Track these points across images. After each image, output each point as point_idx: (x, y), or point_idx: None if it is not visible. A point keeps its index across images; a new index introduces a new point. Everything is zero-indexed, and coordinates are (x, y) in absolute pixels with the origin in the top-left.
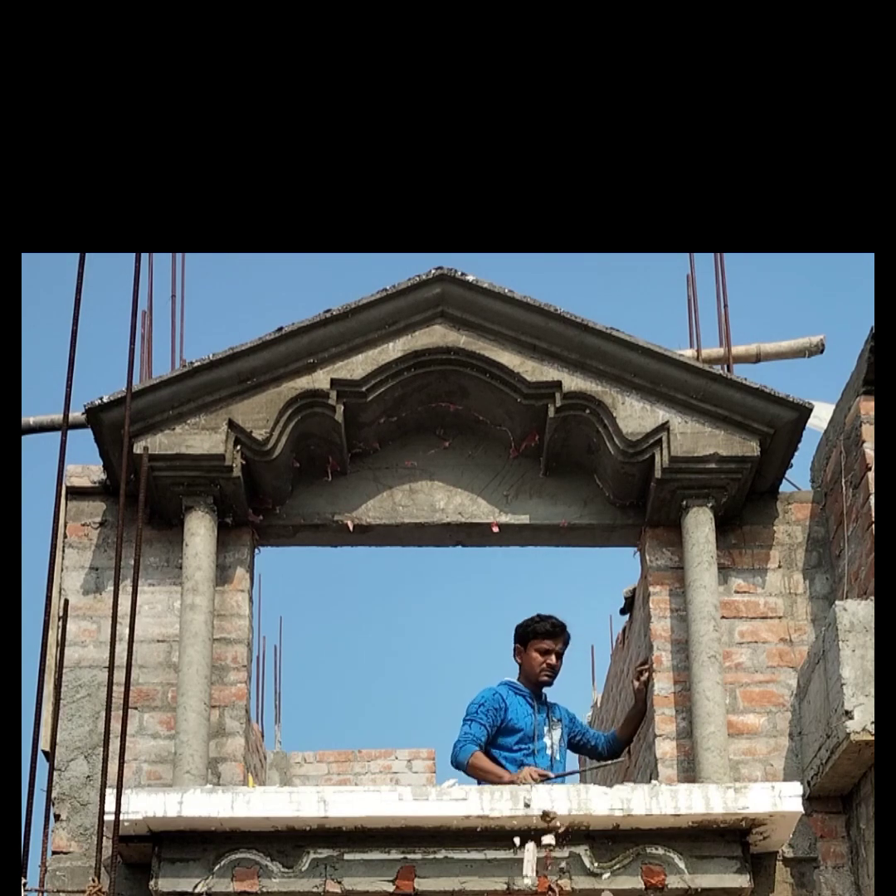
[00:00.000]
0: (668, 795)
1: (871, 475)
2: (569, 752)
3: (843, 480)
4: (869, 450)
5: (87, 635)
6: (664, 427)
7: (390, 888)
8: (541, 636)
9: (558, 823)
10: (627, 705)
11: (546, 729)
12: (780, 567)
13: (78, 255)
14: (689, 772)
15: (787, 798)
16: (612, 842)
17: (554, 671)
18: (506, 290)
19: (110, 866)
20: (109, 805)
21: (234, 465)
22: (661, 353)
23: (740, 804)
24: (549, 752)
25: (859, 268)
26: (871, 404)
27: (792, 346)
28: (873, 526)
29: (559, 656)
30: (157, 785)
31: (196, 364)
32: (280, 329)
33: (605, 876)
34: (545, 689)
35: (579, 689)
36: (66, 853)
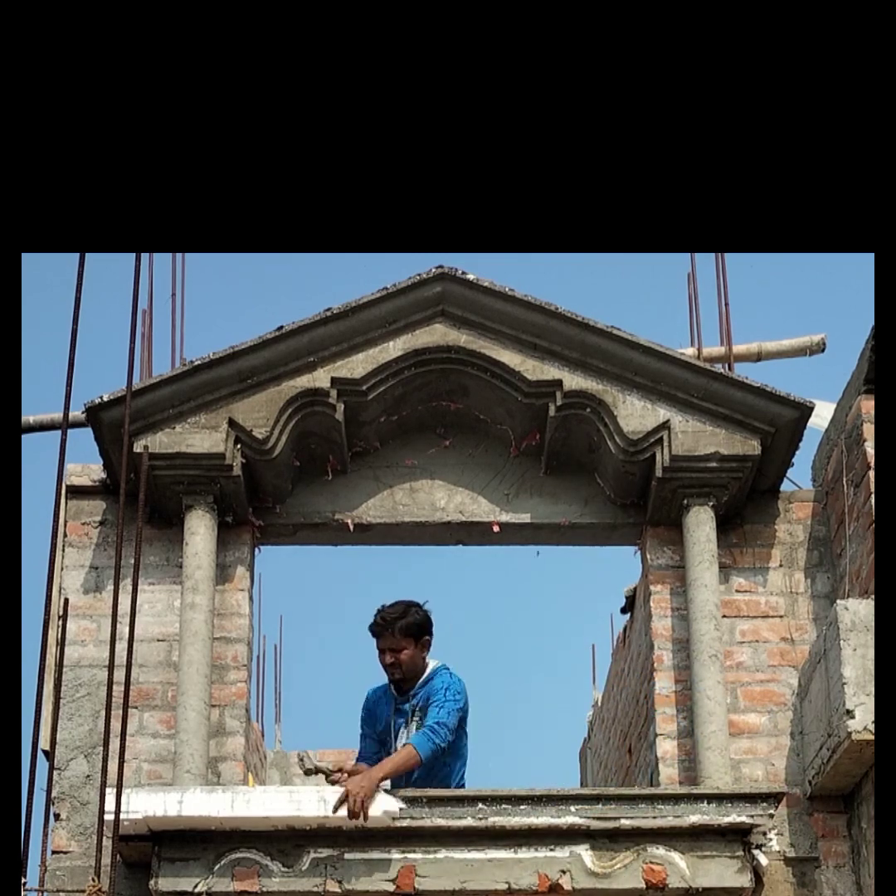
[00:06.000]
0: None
1: (871, 474)
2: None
3: (845, 479)
4: (870, 449)
5: (86, 634)
6: (665, 426)
7: (390, 888)
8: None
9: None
10: (628, 705)
11: (403, 726)
12: (781, 566)
13: (78, 255)
14: (691, 771)
15: None
16: (613, 841)
17: (395, 668)
18: (506, 289)
19: (110, 866)
20: (109, 804)
21: (235, 463)
22: (662, 352)
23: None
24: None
25: (859, 268)
26: (872, 403)
27: (793, 344)
28: (874, 525)
29: (394, 651)
30: (156, 784)
31: (196, 363)
32: (280, 328)
33: (606, 876)
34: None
35: (580, 688)
36: (65, 853)
